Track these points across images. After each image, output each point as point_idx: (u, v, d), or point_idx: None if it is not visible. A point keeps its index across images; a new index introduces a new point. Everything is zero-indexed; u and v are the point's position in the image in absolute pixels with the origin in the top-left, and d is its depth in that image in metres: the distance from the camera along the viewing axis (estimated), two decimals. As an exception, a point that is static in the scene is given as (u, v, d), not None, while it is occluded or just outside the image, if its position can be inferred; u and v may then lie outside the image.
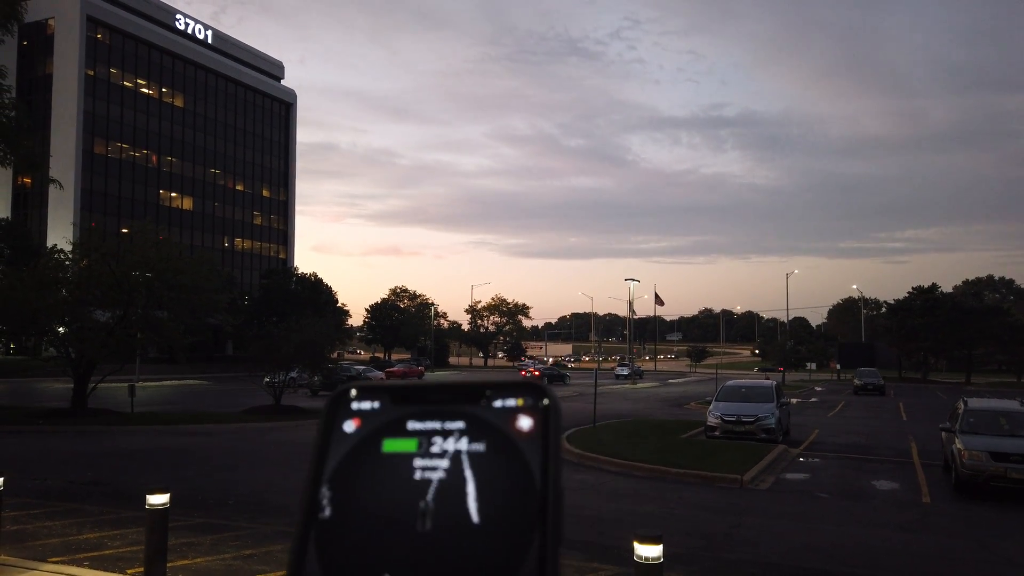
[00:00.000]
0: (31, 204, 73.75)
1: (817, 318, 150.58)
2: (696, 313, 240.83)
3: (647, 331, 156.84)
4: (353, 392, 0.44)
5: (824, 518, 11.96)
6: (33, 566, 7.60)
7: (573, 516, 11.10)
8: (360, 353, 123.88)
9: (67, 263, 27.56)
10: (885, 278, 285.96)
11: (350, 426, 0.43)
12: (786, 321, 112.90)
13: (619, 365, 78.37)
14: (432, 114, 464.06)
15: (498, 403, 0.42)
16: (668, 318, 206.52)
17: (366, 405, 0.43)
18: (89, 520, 10.36)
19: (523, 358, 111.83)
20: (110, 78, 75.98)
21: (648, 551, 5.55)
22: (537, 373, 61.74)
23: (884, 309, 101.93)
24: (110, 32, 75.90)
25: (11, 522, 9.50)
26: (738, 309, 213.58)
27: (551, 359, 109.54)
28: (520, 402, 0.42)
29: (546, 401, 0.41)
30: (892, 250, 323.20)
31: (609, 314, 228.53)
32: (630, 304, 77.54)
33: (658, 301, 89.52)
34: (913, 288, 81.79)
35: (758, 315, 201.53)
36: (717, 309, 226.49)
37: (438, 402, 0.42)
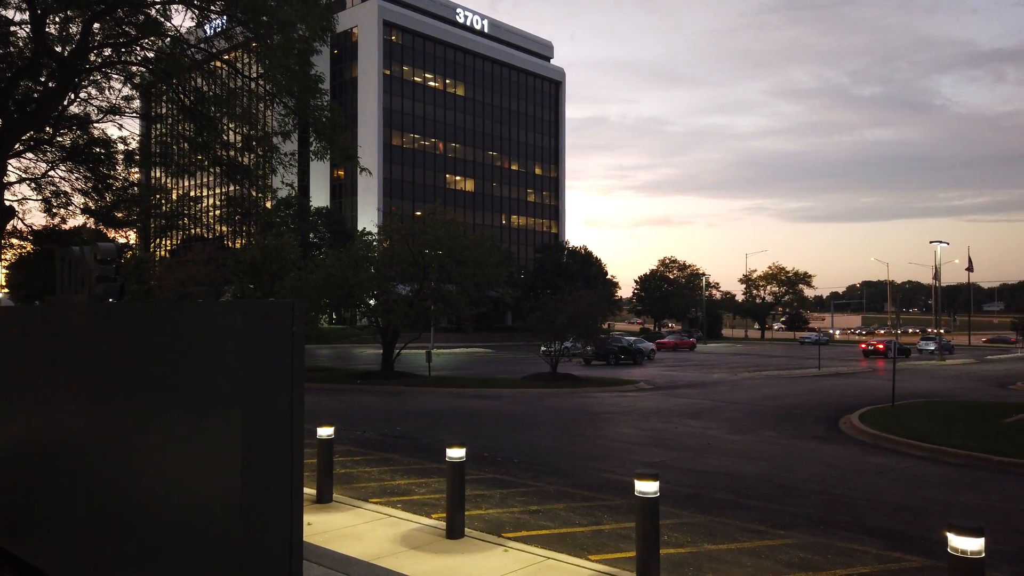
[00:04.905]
0: (344, 194, 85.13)
1: None
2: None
3: (958, 300, 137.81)
4: None
5: None
6: (359, 505, 8.81)
7: (870, 501, 10.14)
8: (634, 322, 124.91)
9: (374, 244, 31.41)
10: None
11: None
12: None
13: (923, 339, 70.16)
14: (704, 76, 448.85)
15: None
16: (986, 285, 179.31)
17: None
18: (400, 468, 11.74)
19: (805, 330, 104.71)
20: (403, 75, 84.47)
21: (966, 543, 4.84)
22: (882, 347, 56.48)
23: None
24: (402, 33, 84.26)
25: (339, 466, 11.10)
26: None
27: (870, 331, 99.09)
28: None
29: None
30: None
31: (908, 282, 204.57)
32: (936, 270, 68.31)
33: (968, 267, 77.80)
34: None
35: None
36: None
37: None
